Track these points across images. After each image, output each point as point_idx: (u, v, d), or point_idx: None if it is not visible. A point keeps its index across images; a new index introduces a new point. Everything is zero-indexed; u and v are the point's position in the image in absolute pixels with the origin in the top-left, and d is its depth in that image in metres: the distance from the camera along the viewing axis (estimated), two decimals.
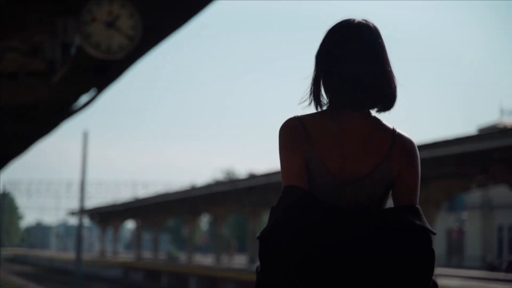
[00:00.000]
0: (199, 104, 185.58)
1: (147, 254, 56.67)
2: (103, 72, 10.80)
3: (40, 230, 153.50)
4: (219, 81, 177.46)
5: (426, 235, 2.17)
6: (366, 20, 2.32)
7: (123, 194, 77.39)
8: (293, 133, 2.25)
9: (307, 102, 2.31)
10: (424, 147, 17.49)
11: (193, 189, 41.72)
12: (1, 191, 74.89)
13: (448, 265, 39.02)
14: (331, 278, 2.12)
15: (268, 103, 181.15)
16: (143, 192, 65.91)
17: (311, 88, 2.31)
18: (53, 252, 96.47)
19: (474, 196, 46.15)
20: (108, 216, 56.63)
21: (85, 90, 11.97)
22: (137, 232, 54.86)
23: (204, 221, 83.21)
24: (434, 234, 2.20)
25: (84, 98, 12.62)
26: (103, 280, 42.33)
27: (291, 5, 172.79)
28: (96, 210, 56.68)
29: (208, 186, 40.64)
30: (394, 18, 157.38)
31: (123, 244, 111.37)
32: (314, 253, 2.10)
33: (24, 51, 8.79)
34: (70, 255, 65.23)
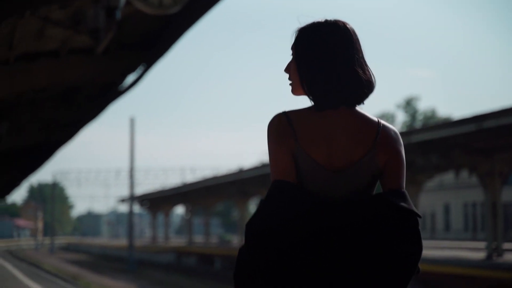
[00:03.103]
0: (244, 88, 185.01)
1: (197, 239, 56.42)
2: (151, 45, 10.05)
3: (91, 219, 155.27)
4: (264, 65, 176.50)
5: (413, 218, 2.26)
6: (337, 20, 2.38)
7: (171, 180, 77.40)
8: (279, 128, 2.31)
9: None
10: (490, 115, 16.56)
11: (242, 171, 41.07)
12: (52, 181, 75.59)
13: (509, 239, 37.79)
14: (317, 265, 2.18)
15: None
16: (191, 177, 65.65)
17: (305, 87, 2.35)
18: (104, 239, 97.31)
19: None
20: (158, 202, 56.49)
21: (131, 68, 11.24)
22: (188, 217, 54.65)
23: (254, 203, 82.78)
24: (420, 217, 2.28)
25: (130, 78, 11.90)
26: (157, 265, 42.11)
27: None
28: (146, 197, 56.57)
29: (257, 168, 39.95)
30: (387, 9, 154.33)
31: (173, 229, 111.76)
32: (301, 241, 2.17)
33: (65, 24, 8.09)
34: (122, 242, 65.46)
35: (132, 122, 38.41)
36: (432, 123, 55.01)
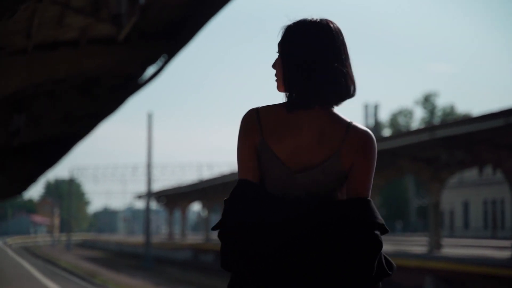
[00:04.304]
0: (262, 84, 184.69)
1: (214, 235, 56.21)
2: (173, 34, 9.70)
3: (107, 215, 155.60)
4: None
5: (369, 231, 2.20)
6: (320, 19, 2.35)
7: (188, 176, 77.22)
8: (247, 124, 2.32)
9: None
10: None
11: None
12: (68, 177, 75.66)
13: None
14: (274, 268, 2.20)
15: None
16: (208, 173, 65.49)
17: (286, 85, 2.34)
18: (121, 236, 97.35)
19: None
20: (175, 199, 56.32)
21: (152, 59, 10.90)
22: (205, 213, 54.43)
23: None
24: (383, 225, 2.23)
25: (150, 70, 11.57)
26: (173, 262, 41.90)
27: None
28: (163, 193, 56.40)
29: None
30: (391, 12, 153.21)
31: (189, 226, 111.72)
32: (259, 242, 2.19)
33: (86, 11, 7.76)
34: (138, 238, 65.38)
35: (149, 118, 38.20)
36: (451, 119, 54.44)
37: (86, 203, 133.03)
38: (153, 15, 8.82)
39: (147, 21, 8.89)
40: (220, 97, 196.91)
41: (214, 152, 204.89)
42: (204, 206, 54.19)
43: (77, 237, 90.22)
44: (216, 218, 76.89)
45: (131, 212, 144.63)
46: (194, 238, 58.82)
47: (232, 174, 44.36)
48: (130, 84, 12.45)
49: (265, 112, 2.33)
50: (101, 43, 9.58)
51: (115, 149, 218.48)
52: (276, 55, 2.40)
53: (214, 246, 43.54)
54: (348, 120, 2.33)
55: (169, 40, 9.80)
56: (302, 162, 2.28)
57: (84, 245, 78.07)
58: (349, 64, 2.35)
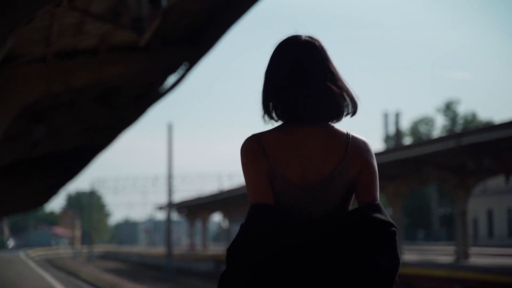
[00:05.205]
0: None
1: None
2: (195, 41, 9.46)
3: (128, 226, 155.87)
4: None
5: (388, 230, 2.27)
6: (311, 37, 2.40)
7: (208, 186, 77.19)
8: (252, 151, 2.33)
9: (264, 118, 2.38)
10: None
11: None
12: (90, 189, 75.83)
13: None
14: (298, 285, 2.19)
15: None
16: (228, 183, 65.28)
17: (262, 105, 2.38)
18: (142, 247, 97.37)
19: None
20: (195, 209, 56.20)
21: (173, 67, 10.67)
22: (226, 224, 54.23)
23: None
24: (395, 227, 2.30)
25: (171, 79, 11.33)
26: (195, 274, 41.68)
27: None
28: (183, 204, 56.31)
29: None
30: (391, 17, 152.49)
31: (209, 237, 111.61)
32: (281, 262, 2.19)
33: (105, 17, 7.52)
34: (159, 249, 65.25)
35: (169, 129, 38.08)
36: (474, 126, 53.83)
37: (107, 215, 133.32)
38: (175, 21, 8.58)
39: (168, 27, 8.66)
40: (240, 106, 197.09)
41: (234, 162, 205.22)
42: (224, 216, 54.01)
43: (98, 248, 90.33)
44: (236, 228, 76.60)
45: (152, 224, 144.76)
46: (215, 249, 58.58)
47: None
48: (151, 93, 12.24)
49: (265, 137, 2.34)
50: (121, 50, 9.37)
51: (135, 161, 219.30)
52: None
53: None
54: (345, 131, 2.38)
55: (191, 47, 9.56)
56: (312, 179, 2.31)
57: (105, 256, 78.10)
58: (341, 81, 2.36)
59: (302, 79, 2.32)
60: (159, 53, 9.56)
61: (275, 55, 2.40)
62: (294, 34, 2.41)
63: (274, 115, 2.38)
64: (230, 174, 72.39)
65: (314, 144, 2.33)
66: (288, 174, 2.30)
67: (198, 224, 61.34)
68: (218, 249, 57.07)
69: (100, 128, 14.34)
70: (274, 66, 2.38)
